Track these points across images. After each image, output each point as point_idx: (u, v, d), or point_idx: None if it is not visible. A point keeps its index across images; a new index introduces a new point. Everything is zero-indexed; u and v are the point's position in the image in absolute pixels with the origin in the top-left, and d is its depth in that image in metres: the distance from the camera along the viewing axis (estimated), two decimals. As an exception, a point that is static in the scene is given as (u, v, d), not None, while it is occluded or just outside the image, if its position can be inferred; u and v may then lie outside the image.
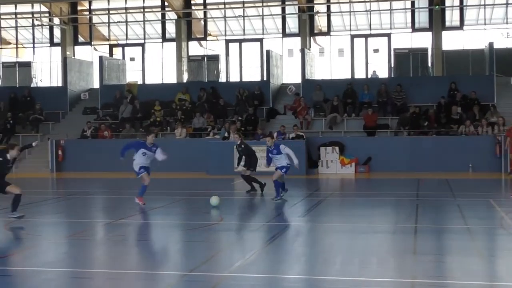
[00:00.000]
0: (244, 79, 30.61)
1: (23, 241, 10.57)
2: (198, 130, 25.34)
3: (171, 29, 31.90)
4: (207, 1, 31.31)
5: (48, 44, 33.42)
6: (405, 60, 27.62)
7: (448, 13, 29.49)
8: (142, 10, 31.97)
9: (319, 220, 12.43)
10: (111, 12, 32.44)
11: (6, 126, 27.05)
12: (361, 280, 7.44)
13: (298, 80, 27.54)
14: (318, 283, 7.44)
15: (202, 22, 31.95)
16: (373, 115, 24.50)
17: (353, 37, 30.33)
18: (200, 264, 8.23)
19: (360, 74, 29.97)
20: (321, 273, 7.91)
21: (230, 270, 7.89)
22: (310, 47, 29.94)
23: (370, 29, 30.23)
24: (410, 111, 24.13)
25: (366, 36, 30.30)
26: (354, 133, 24.64)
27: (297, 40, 30.42)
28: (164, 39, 32.15)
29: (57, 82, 31.74)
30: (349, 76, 29.40)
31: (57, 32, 33.09)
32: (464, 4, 29.35)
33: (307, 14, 29.96)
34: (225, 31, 31.45)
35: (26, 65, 31.71)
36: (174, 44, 31.48)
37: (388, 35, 29.97)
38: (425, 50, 28.33)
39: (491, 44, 25.58)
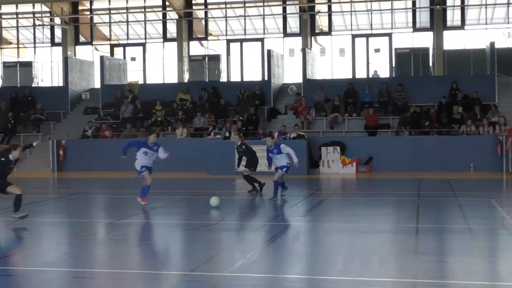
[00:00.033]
0: (245, 79, 30.59)
1: (25, 240, 10.56)
2: (199, 130, 25.33)
3: (172, 29, 31.90)
4: (208, 1, 31.30)
5: (49, 44, 33.43)
6: (406, 59, 27.58)
7: (449, 12, 29.46)
8: (143, 9, 31.97)
9: (320, 220, 12.41)
10: (112, 12, 32.44)
11: (7, 126, 27.06)
12: (362, 280, 7.43)
13: (299, 80, 27.53)
14: (319, 283, 7.43)
15: (203, 22, 31.94)
16: (374, 115, 24.48)
17: (354, 36, 30.31)
18: (201, 264, 8.22)
19: (361, 74, 29.95)
20: (322, 273, 7.90)
21: (231, 270, 7.88)
22: (311, 46, 29.93)
23: (371, 29, 30.21)
24: (411, 111, 24.11)
25: (367, 36, 30.28)
26: (355, 133, 24.62)
27: (298, 39, 30.40)
28: (165, 39, 32.15)
29: (58, 82, 31.74)
30: (350, 76, 29.38)
31: (58, 32, 33.09)
32: (465, 3, 29.31)
33: (308, 14, 29.95)
34: (226, 30, 31.44)
35: (27, 65, 31.70)
36: (175, 44, 31.47)
37: (389, 35, 29.95)
38: (426, 50, 28.30)
39: (492, 44, 25.55)
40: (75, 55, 32.27)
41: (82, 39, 33.13)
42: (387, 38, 29.97)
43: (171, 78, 31.42)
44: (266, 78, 28.18)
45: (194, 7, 31.64)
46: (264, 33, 31.15)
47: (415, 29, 29.78)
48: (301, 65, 27.29)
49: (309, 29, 30.13)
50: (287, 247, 9.54)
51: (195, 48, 31.84)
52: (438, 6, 28.58)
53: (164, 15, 32.04)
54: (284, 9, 30.88)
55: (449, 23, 29.44)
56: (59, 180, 22.91)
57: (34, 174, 23.07)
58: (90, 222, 12.34)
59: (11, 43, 34.56)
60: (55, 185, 21.99)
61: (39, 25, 32.98)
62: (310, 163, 22.65)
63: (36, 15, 32.84)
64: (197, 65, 29.81)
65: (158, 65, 32.12)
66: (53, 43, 33.34)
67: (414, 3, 29.74)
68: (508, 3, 28.74)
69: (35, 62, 32.17)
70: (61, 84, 31.06)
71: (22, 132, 27.34)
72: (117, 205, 15.25)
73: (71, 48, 32.55)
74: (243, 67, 31.31)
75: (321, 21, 30.92)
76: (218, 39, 31.97)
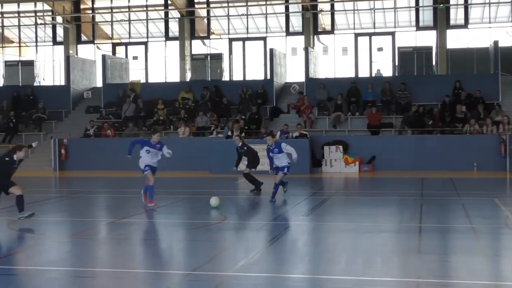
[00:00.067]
0: (247, 78, 30.54)
1: (26, 240, 10.54)
2: (201, 129, 25.30)
3: (174, 27, 31.86)
4: (210, 0, 31.26)
5: (51, 43, 33.41)
6: (409, 58, 27.52)
7: (452, 11, 29.38)
8: (145, 8, 31.94)
9: (323, 219, 12.38)
10: (114, 10, 32.40)
11: (9, 125, 27.06)
12: (366, 279, 7.40)
13: (302, 78, 27.49)
14: (322, 282, 7.39)
15: (205, 20, 31.90)
16: (377, 114, 24.43)
17: (357, 35, 30.24)
18: (204, 263, 8.19)
19: (364, 72, 29.87)
20: (325, 273, 7.86)
21: (233, 270, 7.85)
22: (313, 45, 29.87)
23: (374, 28, 30.14)
24: (413, 110, 24.04)
25: (370, 35, 30.20)
26: (358, 132, 24.57)
27: (301, 38, 30.33)
28: (167, 37, 32.11)
29: (60, 81, 31.73)
30: (353, 75, 29.31)
31: (60, 31, 33.08)
32: (469, 2, 29.22)
33: (310, 13, 29.89)
34: (229, 29, 31.39)
35: (29, 64, 31.70)
36: (177, 42, 31.43)
37: (392, 34, 29.86)
38: (429, 49, 28.22)
39: (496, 43, 25.47)
40: (77, 54, 32.25)
41: (84, 37, 33.11)
42: (390, 37, 29.89)
43: (173, 77, 31.39)
44: (268, 77, 28.14)
45: (196, 5, 31.59)
46: (266, 32, 31.10)
47: (419, 28, 29.70)
48: (304, 64, 27.25)
49: (311, 27, 30.07)
50: (290, 247, 9.51)
51: (197, 47, 31.80)
52: (441, 5, 28.48)
53: (166, 14, 32.00)
54: (287, 8, 30.82)
55: (452, 22, 29.36)
56: (61, 179, 22.90)
57: (36, 173, 23.05)
58: (92, 221, 12.32)
59: (13, 42, 34.55)
60: (57, 184, 21.98)
61: (41, 23, 32.96)
62: (313, 162, 22.61)
63: (38, 13, 32.84)
64: (199, 64, 29.78)
65: (160, 64, 32.08)
66: (55, 42, 33.32)
67: (417, 2, 29.66)
68: (512, 2, 28.66)
69: (37, 61, 32.16)
70: (63, 83, 31.05)
71: (24, 131, 27.35)
72: (119, 204, 15.23)
73: (73, 47, 32.53)
74: (245, 66, 31.26)
75: (324, 20, 30.86)
76: (220, 38, 31.93)
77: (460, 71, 26.82)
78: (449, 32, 29.05)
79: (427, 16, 29.68)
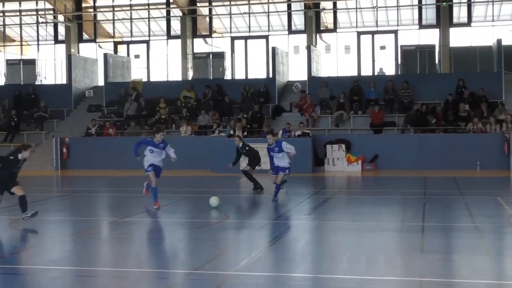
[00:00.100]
0: (249, 77, 30.50)
1: (29, 239, 10.53)
2: (203, 128, 25.26)
3: (176, 26, 31.83)
4: (212, -2, 31.27)
5: (53, 42, 33.41)
6: (412, 57, 27.46)
7: (455, 9, 29.31)
8: (147, 7, 31.92)
9: (325, 218, 12.34)
10: (115, 9, 32.40)
11: (11, 123, 27.05)
12: (368, 278, 7.37)
13: (304, 77, 27.44)
14: (325, 281, 7.35)
15: (207, 19, 31.87)
16: (380, 112, 24.37)
17: (359, 34, 30.18)
18: (206, 262, 8.16)
19: (366, 71, 29.83)
20: (327, 272, 7.83)
21: (235, 269, 7.82)
22: (316, 44, 29.81)
23: (377, 26, 30.08)
24: (414, 108, 23.98)
25: (373, 33, 30.14)
26: (360, 130, 24.52)
27: (303, 37, 30.30)
28: (169, 36, 32.09)
29: (62, 79, 31.74)
30: (355, 73, 29.26)
31: (61, 30, 33.08)
32: (472, 0, 29.14)
33: (313, 11, 29.85)
34: (231, 28, 31.35)
35: (31, 63, 31.71)
36: (179, 41, 31.41)
37: (395, 32, 29.80)
38: (432, 47, 28.16)
39: (499, 41, 25.42)
40: (78, 53, 32.25)
41: (85, 36, 33.10)
42: (392, 35, 29.83)
43: (175, 75, 31.38)
44: (270, 76, 28.09)
45: (198, 4, 31.57)
46: (268, 30, 31.06)
47: (421, 26, 29.63)
48: (306, 62, 27.20)
49: (314, 26, 30.02)
50: (292, 246, 9.49)
51: (199, 46, 31.78)
52: (444, 3, 28.43)
53: (168, 12, 31.98)
54: (289, 6, 30.78)
55: (455, 20, 29.29)
56: (62, 178, 22.89)
57: (37, 172, 23.03)
58: (93, 220, 12.30)
59: (14, 40, 34.55)
60: (58, 183, 21.96)
61: (42, 22, 32.95)
62: (315, 161, 22.57)
63: (40, 12, 32.82)
64: (201, 62, 29.76)
65: (162, 62, 32.07)
66: (56, 41, 33.32)
67: (420, 0, 29.59)
68: (515, 0, 28.58)
69: (39, 60, 32.17)
70: (64, 81, 31.05)
71: (26, 130, 27.34)
72: (120, 203, 15.20)
73: (75, 45, 32.52)
74: (247, 65, 31.23)
75: (326, 18, 30.81)
76: (223, 36, 31.90)
77: (463, 69, 26.75)
78: (452, 30, 28.98)
79: (430, 14, 29.62)
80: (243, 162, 17.01)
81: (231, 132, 23.28)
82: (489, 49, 26.71)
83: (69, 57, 29.90)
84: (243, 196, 16.37)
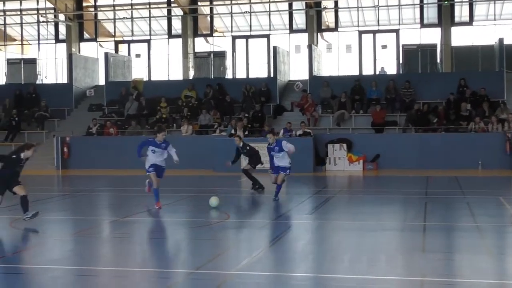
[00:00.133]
0: (250, 76, 30.48)
1: (29, 238, 10.51)
2: (204, 127, 25.24)
3: (177, 25, 31.81)
4: (213, -3, 31.25)
5: (53, 41, 33.39)
6: (413, 56, 27.42)
7: (457, 8, 29.26)
8: (148, 6, 31.89)
9: (327, 218, 12.32)
10: (116, 8, 32.38)
11: (12, 123, 27.04)
12: (370, 278, 7.35)
13: (306, 76, 27.42)
14: (326, 281, 7.34)
15: (209, 18, 31.84)
16: (381, 111, 24.35)
17: (361, 33, 30.15)
18: (207, 262, 8.14)
19: (368, 70, 29.80)
20: (329, 271, 7.81)
21: (236, 268, 7.81)
22: (317, 43, 29.78)
23: (378, 25, 30.04)
24: (415, 108, 23.94)
25: (374, 32, 30.10)
26: (362, 130, 24.50)
27: (304, 36, 30.27)
28: (170, 35, 32.07)
29: (63, 79, 31.71)
30: (357, 73, 29.24)
31: (62, 29, 33.06)
32: (474, -1, 29.12)
33: (314, 10, 29.80)
34: (232, 27, 31.32)
35: (31, 62, 31.69)
36: (180, 40, 31.39)
37: (397, 31, 29.76)
38: (434, 46, 28.12)
39: (501, 40, 25.39)
40: (79, 52, 32.24)
41: (86, 35, 33.09)
42: (394, 34, 29.79)
43: (176, 74, 31.36)
44: (272, 75, 28.07)
45: (199, 3, 31.54)
46: (270, 30, 31.03)
47: (423, 25, 29.59)
48: (307, 61, 27.17)
49: (315, 25, 29.99)
50: (294, 245, 9.47)
51: (200, 45, 31.75)
52: (446, 2, 28.38)
53: (169, 11, 31.96)
54: (290, 5, 30.74)
55: (457, 19, 29.24)
56: (63, 178, 22.90)
57: (38, 171, 23.01)
58: (94, 219, 12.28)
59: (15, 39, 34.55)
60: (59, 182, 21.97)
61: (43, 21, 32.92)
62: (317, 160, 22.54)
63: (40, 11, 32.78)
64: (202, 61, 29.73)
65: (163, 61, 32.05)
66: (57, 40, 33.31)
67: (421, -1, 29.57)
68: (517, -1, 28.53)
69: (39, 59, 32.14)
70: (65, 81, 31.03)
71: (26, 130, 27.32)
72: (121, 202, 15.19)
73: (76, 44, 32.50)
74: (248, 64, 31.21)
75: (328, 17, 30.78)
76: (224, 36, 31.88)
77: (464, 68, 26.72)
78: (454, 30, 28.93)
79: (431, 13, 29.58)
80: (244, 161, 17.00)
81: (232, 131, 23.24)
82: (491, 48, 26.67)
83: (70, 56, 29.89)
84: (244, 196, 16.35)
